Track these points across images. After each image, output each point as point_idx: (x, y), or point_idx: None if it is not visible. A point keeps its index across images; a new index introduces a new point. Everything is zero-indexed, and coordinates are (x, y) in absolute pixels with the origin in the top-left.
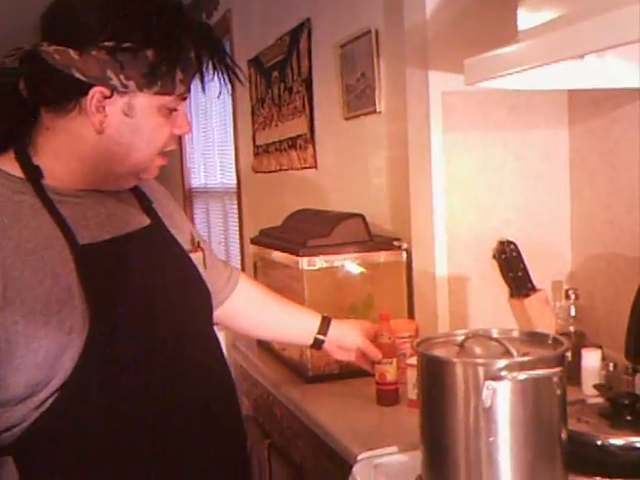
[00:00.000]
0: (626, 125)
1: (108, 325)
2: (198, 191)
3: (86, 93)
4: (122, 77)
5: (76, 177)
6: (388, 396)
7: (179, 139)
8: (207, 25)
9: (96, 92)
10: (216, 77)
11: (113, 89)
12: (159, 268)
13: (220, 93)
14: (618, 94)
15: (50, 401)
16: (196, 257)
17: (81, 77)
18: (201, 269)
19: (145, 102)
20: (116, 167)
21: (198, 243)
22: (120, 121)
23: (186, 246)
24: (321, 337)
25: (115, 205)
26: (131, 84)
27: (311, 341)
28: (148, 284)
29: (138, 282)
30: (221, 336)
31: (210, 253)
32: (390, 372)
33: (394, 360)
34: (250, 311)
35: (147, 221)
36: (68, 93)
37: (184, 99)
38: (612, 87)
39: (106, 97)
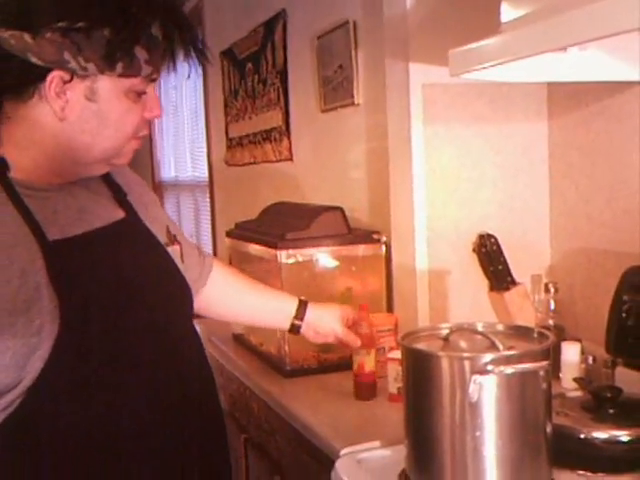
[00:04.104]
0: (606, 119)
1: (79, 324)
2: (168, 184)
3: (45, 78)
4: (80, 59)
5: (43, 169)
6: (366, 388)
7: (149, 126)
8: (174, 3)
9: (55, 77)
10: (184, 59)
11: (72, 73)
12: (134, 263)
13: (189, 75)
14: (598, 87)
15: (18, 402)
16: (173, 250)
17: (38, 62)
18: (178, 262)
19: (109, 85)
20: (83, 156)
21: (174, 236)
22: (83, 107)
23: (162, 239)
24: (298, 322)
25: (87, 198)
26: (91, 66)
27: (288, 326)
28: (122, 280)
29: (111, 278)
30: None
31: (184, 241)
32: (368, 363)
33: (372, 351)
34: (226, 297)
35: (121, 214)
36: (26, 79)
37: (153, 81)
38: (594, 80)
39: (66, 82)
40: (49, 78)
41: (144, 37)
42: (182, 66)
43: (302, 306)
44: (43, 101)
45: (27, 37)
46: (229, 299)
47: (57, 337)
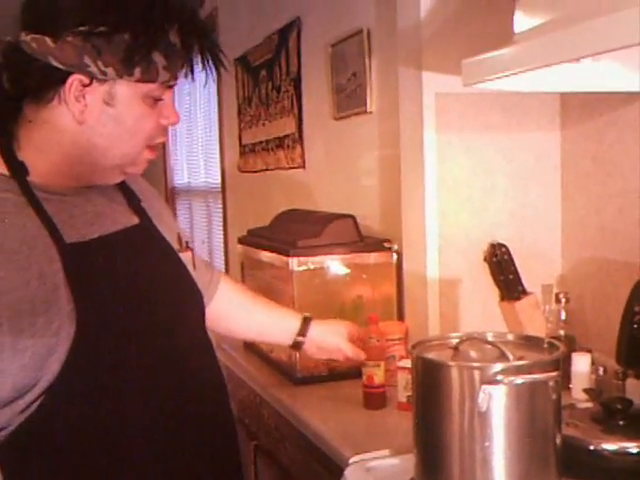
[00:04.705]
0: (619, 129)
1: (95, 326)
2: (181, 190)
3: (65, 82)
4: (100, 64)
5: (61, 172)
6: (375, 399)
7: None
8: (193, 10)
9: (74, 80)
10: (202, 66)
11: (92, 77)
12: (148, 267)
13: (206, 83)
14: (611, 97)
15: (36, 404)
16: (185, 256)
17: (58, 65)
18: (190, 269)
19: (127, 90)
20: (100, 160)
21: (186, 243)
22: (101, 111)
23: (174, 245)
24: (300, 338)
25: (103, 203)
26: (110, 71)
27: (291, 342)
28: (136, 284)
29: (124, 282)
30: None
31: (195, 249)
32: (378, 375)
33: (382, 363)
34: (231, 312)
35: (135, 220)
36: (47, 82)
37: (170, 87)
38: (608, 90)
39: (85, 85)
40: (69, 82)
41: (162, 43)
42: (198, 73)
43: (306, 323)
44: (63, 104)
45: (49, 41)
46: (233, 314)
47: (74, 339)
